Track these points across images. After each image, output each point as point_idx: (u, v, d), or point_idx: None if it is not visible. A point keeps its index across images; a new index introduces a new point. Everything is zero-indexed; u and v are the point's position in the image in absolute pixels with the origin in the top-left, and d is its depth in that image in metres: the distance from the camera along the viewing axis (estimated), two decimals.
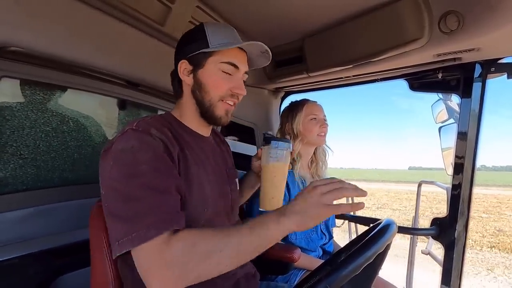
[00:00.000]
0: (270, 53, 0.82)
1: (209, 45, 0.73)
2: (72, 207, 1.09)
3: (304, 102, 1.31)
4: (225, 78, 0.75)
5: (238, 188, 0.93)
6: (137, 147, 0.62)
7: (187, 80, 0.77)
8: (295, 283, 1.10)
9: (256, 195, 1.12)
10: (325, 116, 1.31)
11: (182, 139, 0.74)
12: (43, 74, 0.96)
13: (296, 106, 1.30)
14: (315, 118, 1.26)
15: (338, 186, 0.60)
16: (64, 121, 1.14)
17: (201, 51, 0.74)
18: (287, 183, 1.21)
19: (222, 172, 0.86)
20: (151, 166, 0.61)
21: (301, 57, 1.33)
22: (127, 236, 0.56)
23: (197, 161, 0.75)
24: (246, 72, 0.80)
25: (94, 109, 1.29)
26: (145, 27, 1.02)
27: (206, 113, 0.77)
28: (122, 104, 1.38)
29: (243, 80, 0.80)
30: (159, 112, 1.53)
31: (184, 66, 0.76)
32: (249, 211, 1.22)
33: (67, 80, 1.03)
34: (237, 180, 0.94)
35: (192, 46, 0.75)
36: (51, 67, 0.95)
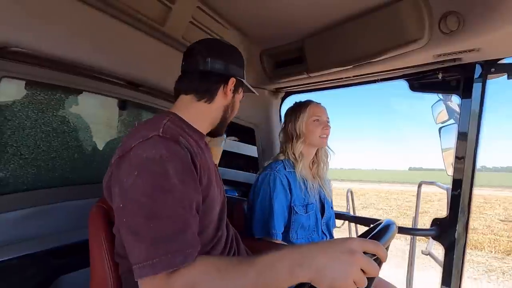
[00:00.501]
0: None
1: (244, 78, 0.84)
2: (72, 207, 1.09)
3: (308, 103, 1.31)
4: None
5: None
6: (167, 157, 0.57)
7: (229, 96, 0.81)
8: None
9: (260, 209, 1.18)
10: (328, 118, 1.31)
11: (200, 143, 0.75)
12: (44, 75, 0.96)
13: (299, 107, 1.30)
14: (318, 120, 1.26)
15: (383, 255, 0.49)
16: (65, 121, 1.15)
17: (243, 80, 0.83)
18: (288, 183, 1.21)
19: (215, 168, 0.88)
20: (181, 179, 0.57)
21: (301, 57, 1.32)
22: (149, 260, 0.51)
23: (209, 164, 0.76)
24: None
25: (94, 109, 1.29)
26: (146, 28, 1.02)
27: (218, 127, 0.83)
28: (122, 104, 1.38)
29: None
30: (156, 112, 1.53)
31: (232, 83, 0.80)
32: (250, 214, 1.23)
33: (67, 80, 1.03)
34: None
35: (239, 70, 0.82)
36: (51, 68, 0.95)
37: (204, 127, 0.80)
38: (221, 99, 0.80)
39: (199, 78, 0.77)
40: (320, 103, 1.32)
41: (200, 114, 0.78)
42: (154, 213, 0.54)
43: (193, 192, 0.60)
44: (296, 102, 1.36)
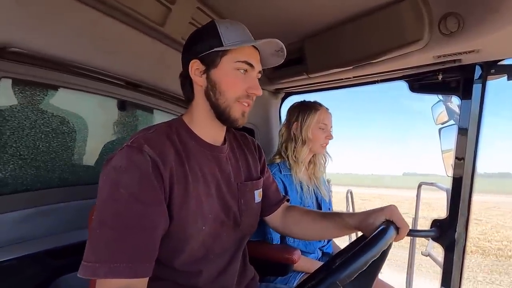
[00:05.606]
0: (285, 52, 0.76)
1: (223, 43, 0.69)
2: (71, 208, 1.09)
3: (318, 106, 1.28)
4: (241, 78, 0.71)
5: (258, 198, 0.86)
6: (124, 168, 0.59)
7: (199, 81, 0.72)
8: (294, 285, 1.10)
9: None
10: (332, 126, 1.30)
11: (187, 152, 0.70)
12: (43, 75, 0.96)
13: (309, 108, 1.27)
14: (324, 128, 1.25)
15: None
16: (64, 122, 1.15)
17: (215, 49, 0.69)
18: (284, 187, 1.20)
19: (231, 185, 0.79)
20: (132, 191, 0.58)
21: (301, 58, 1.32)
22: (85, 261, 0.55)
23: (198, 176, 0.70)
24: (259, 72, 0.75)
25: (94, 110, 1.29)
26: (145, 28, 1.02)
27: (221, 115, 0.72)
28: (122, 105, 1.38)
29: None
30: (156, 113, 1.53)
31: (196, 66, 0.71)
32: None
33: (67, 81, 1.03)
34: (256, 191, 0.85)
35: (204, 44, 0.70)
36: (51, 68, 0.95)
37: (207, 126, 0.75)
38: (197, 88, 0.73)
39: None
40: (328, 109, 1.30)
41: (195, 114, 0.75)
42: (102, 220, 0.57)
43: (146, 204, 0.59)
44: (304, 102, 1.32)
